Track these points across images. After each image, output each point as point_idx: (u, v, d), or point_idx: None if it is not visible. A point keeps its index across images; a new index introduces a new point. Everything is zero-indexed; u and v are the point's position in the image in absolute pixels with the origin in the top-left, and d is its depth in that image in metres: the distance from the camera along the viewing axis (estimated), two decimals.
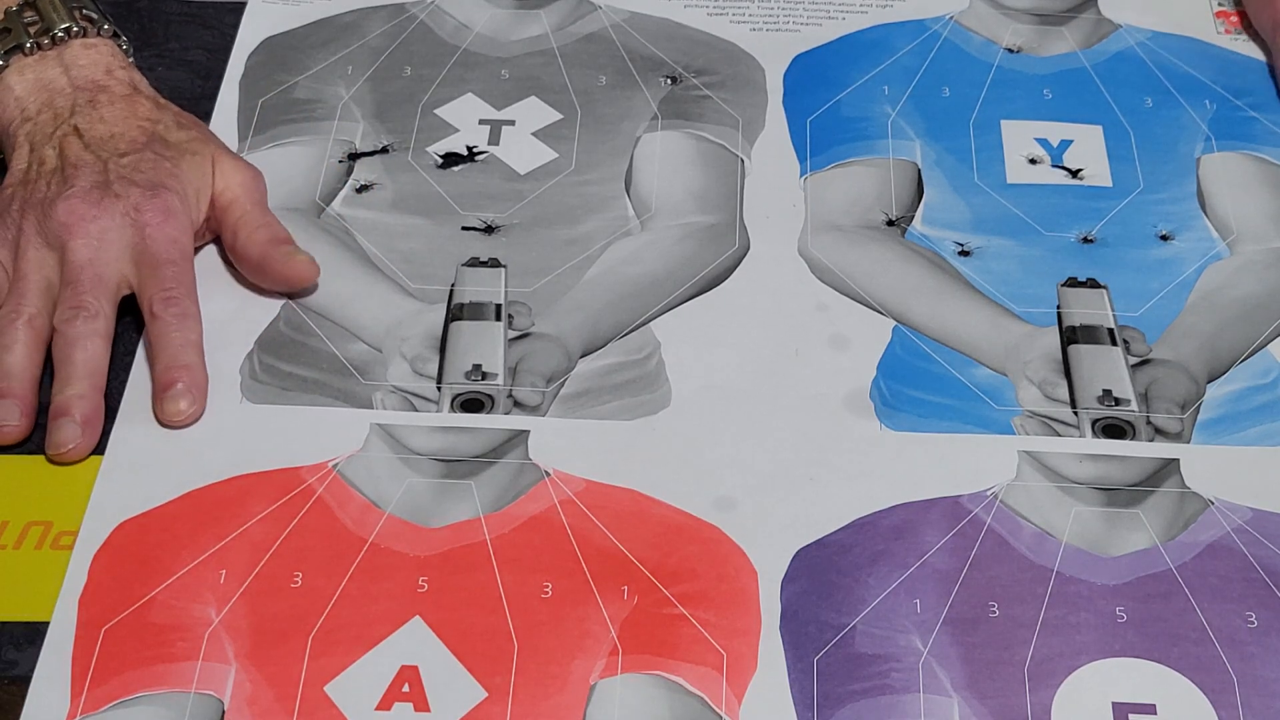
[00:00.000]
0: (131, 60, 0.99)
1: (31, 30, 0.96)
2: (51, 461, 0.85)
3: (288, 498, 0.83)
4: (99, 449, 0.85)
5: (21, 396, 0.85)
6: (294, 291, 0.93)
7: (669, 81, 1.06)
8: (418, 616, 0.79)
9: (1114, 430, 0.87)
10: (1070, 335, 0.91)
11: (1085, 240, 0.97)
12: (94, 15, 0.98)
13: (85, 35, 0.97)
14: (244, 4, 1.11)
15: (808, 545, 0.82)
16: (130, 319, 0.90)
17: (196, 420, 0.87)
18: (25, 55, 0.96)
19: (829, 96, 1.05)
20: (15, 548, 0.82)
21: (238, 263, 0.93)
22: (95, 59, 0.96)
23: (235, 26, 1.09)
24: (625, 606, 0.79)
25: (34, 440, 0.86)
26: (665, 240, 0.96)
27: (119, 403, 0.87)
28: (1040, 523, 0.83)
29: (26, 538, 0.82)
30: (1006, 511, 0.84)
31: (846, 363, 0.90)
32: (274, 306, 0.92)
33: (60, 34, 0.96)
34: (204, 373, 0.88)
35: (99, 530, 0.82)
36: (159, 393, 0.86)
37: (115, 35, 0.98)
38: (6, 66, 0.95)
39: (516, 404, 0.88)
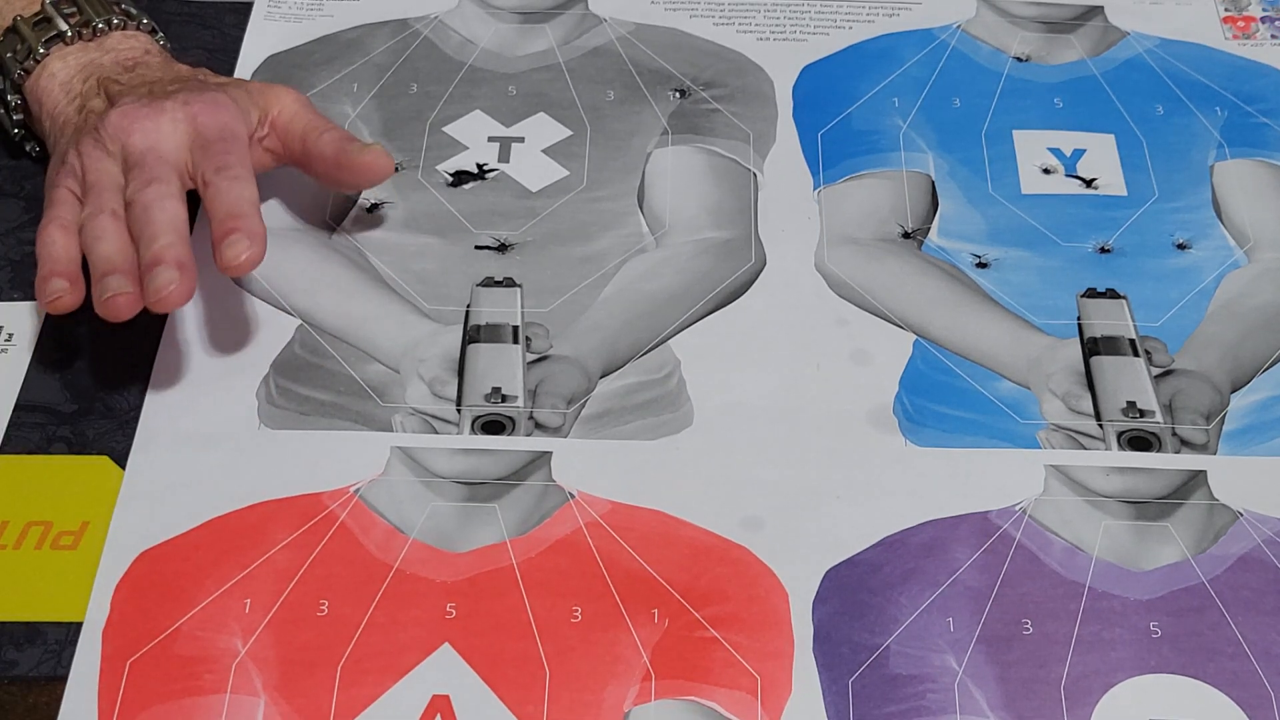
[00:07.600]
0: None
1: (71, 21, 0.97)
2: (152, 310, 0.83)
3: (310, 524, 0.82)
4: (119, 462, 0.84)
5: (127, 271, 0.84)
6: (372, 185, 0.94)
7: (677, 95, 1.05)
8: (447, 644, 0.78)
9: (1139, 442, 0.87)
10: (1091, 347, 0.91)
11: (1102, 250, 0.96)
12: (131, 10, 0.99)
13: (124, 28, 0.98)
14: (244, 4, 1.10)
15: (838, 564, 0.81)
16: (140, 325, 0.87)
17: (255, 267, 0.85)
18: (66, 44, 0.96)
19: (839, 109, 1.04)
20: (15, 548, 0.81)
21: (312, 167, 0.93)
22: (134, 45, 0.97)
23: (235, 27, 1.09)
24: (656, 630, 0.78)
25: (35, 440, 0.86)
26: (681, 256, 0.96)
27: (135, 424, 0.86)
28: (1070, 537, 0.82)
29: (26, 538, 0.82)
30: (1036, 527, 0.83)
31: (869, 378, 0.89)
32: (288, 329, 0.91)
33: (100, 25, 0.97)
34: (261, 224, 0.86)
35: (120, 560, 0.81)
36: (217, 242, 0.85)
37: (153, 31, 0.99)
38: (48, 54, 0.96)
39: (538, 426, 0.87)
